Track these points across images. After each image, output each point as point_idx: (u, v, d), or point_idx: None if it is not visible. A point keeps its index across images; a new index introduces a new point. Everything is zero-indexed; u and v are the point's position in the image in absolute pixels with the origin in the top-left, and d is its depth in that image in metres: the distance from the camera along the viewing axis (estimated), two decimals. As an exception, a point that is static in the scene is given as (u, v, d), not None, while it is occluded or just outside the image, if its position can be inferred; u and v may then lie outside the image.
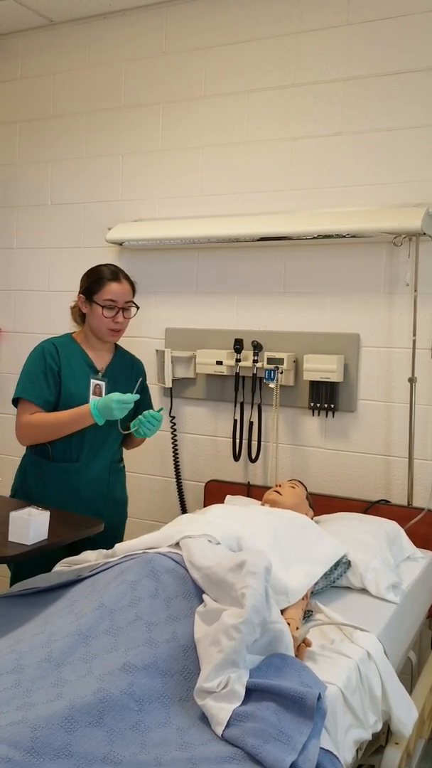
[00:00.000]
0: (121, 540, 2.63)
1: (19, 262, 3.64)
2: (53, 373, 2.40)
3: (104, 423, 2.33)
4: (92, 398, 2.40)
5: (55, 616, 1.75)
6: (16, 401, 2.43)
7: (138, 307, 2.52)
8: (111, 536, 2.47)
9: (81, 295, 2.45)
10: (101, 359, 2.51)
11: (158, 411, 2.40)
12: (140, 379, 2.47)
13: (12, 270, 3.66)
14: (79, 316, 2.53)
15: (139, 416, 2.41)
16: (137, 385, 2.40)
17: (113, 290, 2.42)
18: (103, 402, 2.27)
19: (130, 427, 2.43)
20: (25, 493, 2.49)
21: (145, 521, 3.32)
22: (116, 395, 2.26)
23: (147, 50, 3.25)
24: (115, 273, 2.45)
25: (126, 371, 2.58)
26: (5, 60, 3.64)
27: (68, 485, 2.45)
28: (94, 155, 3.40)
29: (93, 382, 2.44)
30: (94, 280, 2.43)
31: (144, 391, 2.63)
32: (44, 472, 2.46)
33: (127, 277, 2.49)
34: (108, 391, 2.46)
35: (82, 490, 2.47)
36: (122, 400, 2.25)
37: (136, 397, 2.30)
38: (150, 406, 2.64)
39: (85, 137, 3.43)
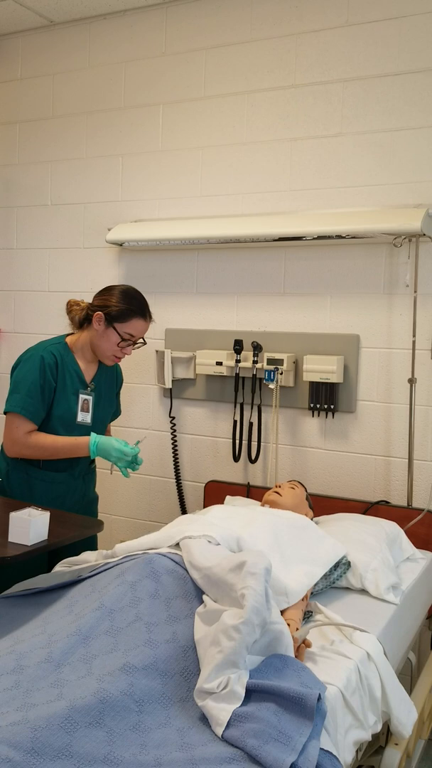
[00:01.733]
0: (94, 536, 2.59)
1: (19, 263, 3.64)
2: (50, 389, 2.35)
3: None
4: (80, 414, 2.42)
5: (55, 616, 1.75)
6: (6, 411, 2.36)
7: (145, 343, 2.50)
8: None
9: (100, 313, 2.37)
10: (89, 370, 2.49)
11: (135, 444, 2.35)
12: (143, 438, 2.51)
13: (12, 270, 3.66)
14: (79, 321, 2.47)
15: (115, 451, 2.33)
16: (137, 442, 2.37)
17: (138, 327, 2.40)
18: (104, 445, 2.28)
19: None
20: (6, 495, 2.45)
21: (144, 522, 3.32)
22: (118, 444, 2.27)
23: (147, 51, 3.26)
24: (143, 309, 2.41)
25: (109, 381, 2.58)
26: (5, 60, 3.64)
27: (54, 492, 2.45)
28: (94, 156, 3.41)
29: (81, 397, 2.43)
30: (123, 310, 2.36)
31: (118, 396, 2.65)
32: (30, 478, 2.43)
33: (150, 314, 2.45)
34: (94, 404, 2.47)
35: (66, 495, 2.48)
36: (123, 452, 2.28)
37: (137, 450, 2.30)
38: (118, 413, 2.68)
39: (85, 138, 3.43)
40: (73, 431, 2.42)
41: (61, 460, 2.42)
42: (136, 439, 2.51)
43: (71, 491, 2.50)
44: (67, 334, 2.51)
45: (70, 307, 2.50)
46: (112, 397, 2.59)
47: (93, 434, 2.33)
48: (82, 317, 2.46)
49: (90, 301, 2.50)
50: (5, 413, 2.37)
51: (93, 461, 2.60)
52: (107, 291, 2.44)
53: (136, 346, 2.46)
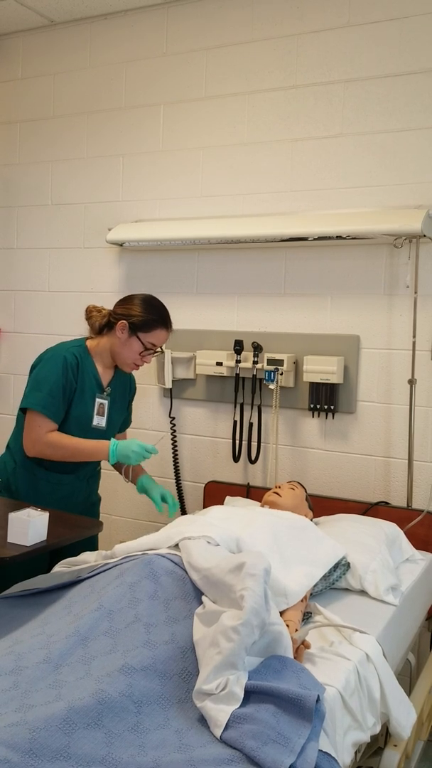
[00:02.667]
0: (95, 537, 2.60)
1: (19, 263, 3.64)
2: (71, 389, 2.36)
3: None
4: (96, 418, 2.43)
5: (54, 617, 1.75)
6: (25, 409, 2.36)
7: (163, 351, 2.54)
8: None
9: (124, 322, 2.39)
10: (106, 375, 2.50)
11: (155, 445, 2.38)
12: (161, 438, 2.50)
13: (12, 270, 3.66)
14: (99, 327, 2.47)
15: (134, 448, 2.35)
16: (160, 439, 2.38)
17: (160, 337, 2.44)
18: (123, 449, 2.30)
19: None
20: (10, 493, 2.45)
21: (144, 522, 3.32)
22: (137, 447, 2.29)
23: (148, 51, 3.26)
24: (166, 320, 2.44)
25: (123, 388, 2.58)
26: (6, 60, 3.64)
27: (59, 493, 2.46)
28: (95, 156, 3.41)
29: (98, 401, 2.44)
30: (147, 320, 2.39)
31: (130, 404, 2.66)
32: (37, 479, 2.44)
33: (171, 323, 2.48)
34: (109, 408, 2.49)
35: (70, 497, 2.49)
36: (143, 450, 2.29)
37: (156, 451, 2.33)
38: (128, 422, 2.69)
39: (85, 138, 3.43)
40: (87, 434, 2.41)
41: (68, 462, 2.41)
42: (154, 442, 2.52)
43: (76, 493, 2.51)
44: (87, 338, 2.52)
45: (90, 312, 2.50)
46: (124, 405, 2.60)
47: (112, 439, 2.34)
48: (102, 323, 2.46)
49: (98, 304, 2.54)
50: (22, 410, 2.37)
51: (99, 464, 2.61)
52: (130, 300, 2.45)
53: (155, 354, 2.49)
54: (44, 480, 2.43)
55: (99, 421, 2.45)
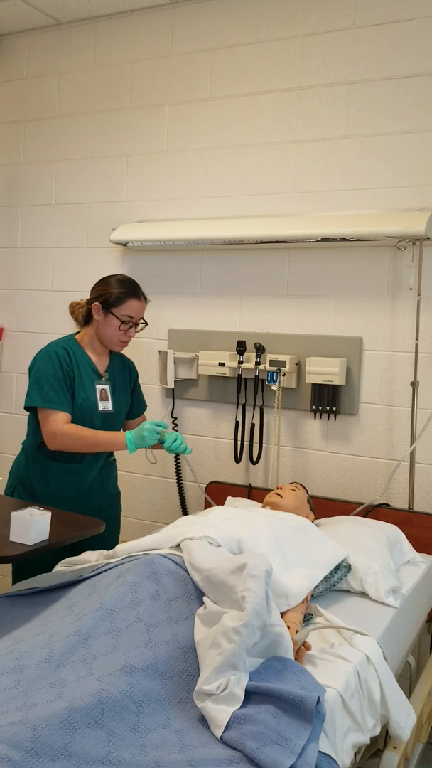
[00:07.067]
0: (117, 532, 2.72)
1: (23, 262, 3.64)
2: (70, 378, 2.45)
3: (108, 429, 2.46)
4: (101, 403, 2.51)
5: (56, 616, 1.76)
6: (33, 408, 2.44)
7: (147, 323, 2.58)
8: (108, 528, 2.55)
9: (97, 303, 2.48)
10: (102, 363, 2.58)
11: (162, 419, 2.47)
12: (170, 427, 2.53)
13: (16, 269, 3.67)
14: (82, 318, 2.57)
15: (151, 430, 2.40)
16: (166, 422, 2.48)
17: (133, 307, 2.50)
18: (136, 436, 2.37)
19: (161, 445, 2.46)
20: (25, 488, 2.53)
21: (145, 522, 3.32)
22: (148, 425, 2.35)
23: (153, 51, 3.26)
24: (136, 290, 2.52)
25: (123, 373, 2.65)
26: (11, 59, 3.64)
27: (69, 483, 2.51)
28: (99, 155, 3.41)
29: (98, 387, 2.52)
30: (116, 295, 2.48)
31: (136, 389, 2.72)
32: (48, 471, 2.50)
33: (144, 294, 2.55)
34: (111, 392, 2.57)
35: (81, 486, 2.54)
36: (154, 423, 2.36)
37: (166, 425, 2.39)
38: (143, 405, 2.74)
39: (90, 137, 3.43)
40: (95, 420, 2.49)
41: (78, 453, 2.48)
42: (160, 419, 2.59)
43: (88, 483, 2.55)
44: (76, 333, 2.61)
45: (72, 308, 2.61)
46: (127, 389, 2.66)
47: (126, 431, 2.41)
48: (84, 314, 2.56)
49: (79, 299, 2.63)
50: (27, 408, 2.46)
51: (112, 454, 2.67)
52: (99, 283, 2.56)
53: (139, 327, 2.55)
54: (54, 471, 2.50)
55: (105, 405, 2.52)
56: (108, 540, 2.53)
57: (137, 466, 3.27)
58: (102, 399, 2.51)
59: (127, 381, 2.66)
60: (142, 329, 2.57)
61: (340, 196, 2.88)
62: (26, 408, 2.46)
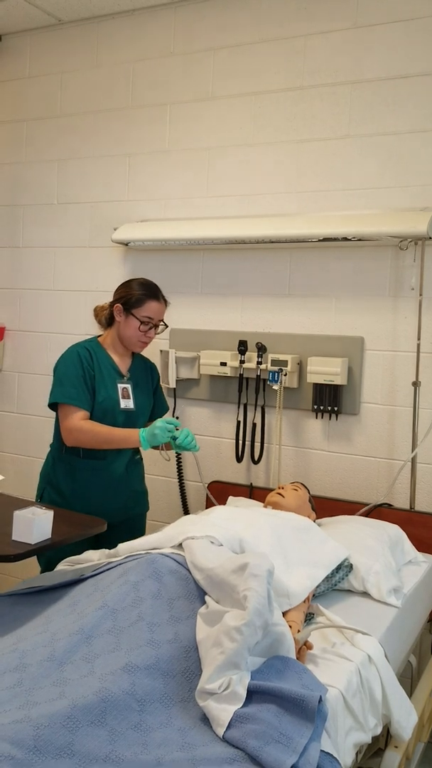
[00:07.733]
0: (143, 529, 2.76)
1: (24, 261, 3.65)
2: (91, 377, 2.51)
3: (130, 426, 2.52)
4: (123, 402, 2.56)
5: (58, 615, 1.76)
6: (54, 405, 2.50)
7: (167, 326, 2.64)
8: (133, 526, 2.69)
9: (119, 305, 2.55)
10: (124, 363, 2.64)
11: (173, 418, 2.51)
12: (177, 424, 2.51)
13: (18, 268, 3.67)
14: (105, 321, 2.64)
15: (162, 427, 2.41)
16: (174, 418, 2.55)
17: (153, 308, 2.56)
18: (149, 433, 2.39)
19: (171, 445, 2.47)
20: (54, 488, 2.58)
21: (147, 521, 3.32)
22: (160, 423, 2.38)
23: (155, 51, 3.26)
24: (156, 292, 2.59)
25: (144, 374, 2.71)
26: (13, 58, 3.64)
27: (95, 480, 2.56)
28: (101, 155, 3.41)
29: (120, 386, 2.58)
30: (136, 296, 2.55)
31: (158, 390, 2.77)
32: (74, 469, 2.56)
33: (164, 297, 2.61)
34: (133, 391, 2.62)
35: (107, 484, 2.58)
36: (166, 422, 2.38)
37: (178, 422, 2.42)
38: (165, 407, 2.79)
39: (91, 137, 3.44)
40: (117, 418, 2.53)
41: (101, 450, 2.52)
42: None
43: (114, 481, 2.59)
44: (99, 335, 2.68)
45: (96, 312, 2.68)
46: (149, 390, 2.70)
47: (140, 429, 2.44)
48: (107, 316, 2.64)
49: (103, 303, 2.69)
50: (50, 405, 2.52)
51: (138, 452, 2.70)
52: (122, 286, 2.63)
53: (159, 329, 2.61)
54: (80, 468, 2.55)
55: (126, 403, 2.58)
56: (135, 538, 2.52)
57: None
58: (123, 397, 2.57)
59: (149, 382, 2.71)
60: (162, 331, 2.63)
61: (341, 196, 2.88)
62: (49, 406, 2.52)
